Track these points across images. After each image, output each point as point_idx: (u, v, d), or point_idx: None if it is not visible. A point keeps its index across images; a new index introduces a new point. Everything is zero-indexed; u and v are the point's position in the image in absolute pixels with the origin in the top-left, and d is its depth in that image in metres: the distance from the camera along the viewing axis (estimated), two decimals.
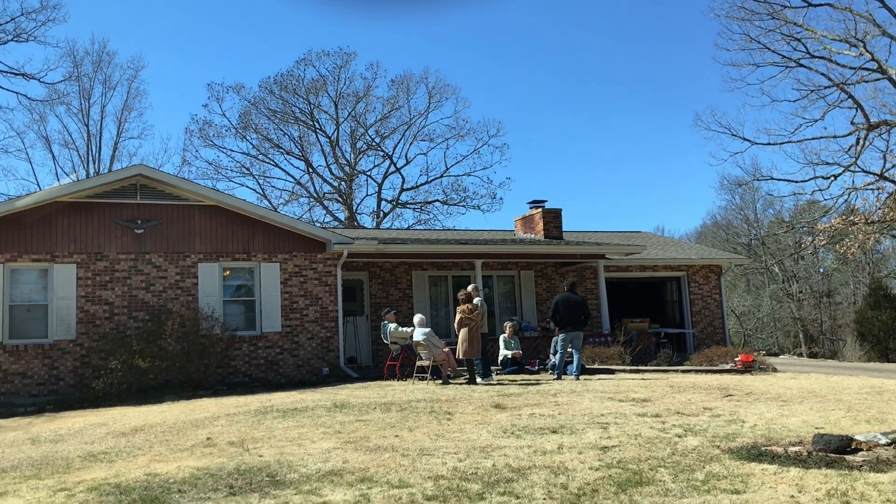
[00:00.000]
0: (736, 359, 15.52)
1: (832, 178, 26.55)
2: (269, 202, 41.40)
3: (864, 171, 26.11)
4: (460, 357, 13.37)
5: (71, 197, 15.04)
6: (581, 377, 13.77)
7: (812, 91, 26.61)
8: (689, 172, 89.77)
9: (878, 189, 24.64)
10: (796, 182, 34.30)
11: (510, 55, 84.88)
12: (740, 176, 64.72)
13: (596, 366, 15.51)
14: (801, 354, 33.77)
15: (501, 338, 16.13)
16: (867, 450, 6.13)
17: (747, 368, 14.96)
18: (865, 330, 24.39)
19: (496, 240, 20.74)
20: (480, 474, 5.93)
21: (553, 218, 21.62)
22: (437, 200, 43.15)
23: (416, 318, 14.30)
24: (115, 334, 14.58)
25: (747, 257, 35.72)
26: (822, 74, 26.56)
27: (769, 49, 26.87)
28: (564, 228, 22.00)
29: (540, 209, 21.85)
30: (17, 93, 49.74)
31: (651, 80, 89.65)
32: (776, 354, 30.83)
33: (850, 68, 25.71)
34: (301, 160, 42.77)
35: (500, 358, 15.75)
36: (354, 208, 42.71)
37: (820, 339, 38.21)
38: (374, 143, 43.53)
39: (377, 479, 5.86)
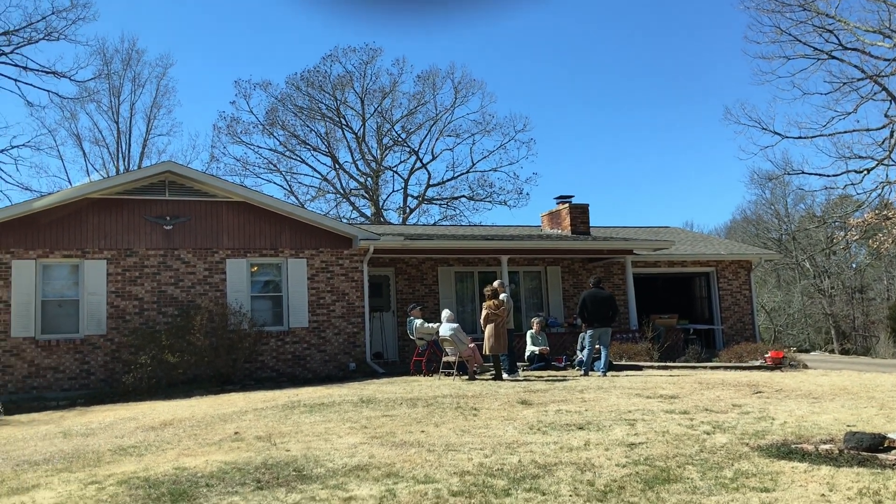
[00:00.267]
0: (766, 355, 15.34)
1: (865, 172, 26.13)
2: (296, 198, 41.63)
3: None
4: (486, 353, 13.33)
5: (101, 193, 15.24)
6: (608, 373, 13.69)
7: (844, 83, 26.22)
8: (719, 167, 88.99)
9: None
10: (828, 176, 33.70)
11: (536, 50, 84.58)
12: (770, 170, 64.13)
13: (623, 362, 15.41)
14: (832, 351, 33.25)
15: (528, 334, 16.07)
16: None
17: (777, 365, 14.77)
18: None
19: (522, 235, 20.64)
20: (506, 470, 5.91)
21: (580, 213, 21.39)
22: (464, 196, 43.03)
23: (445, 313, 14.28)
24: (144, 329, 14.77)
25: (778, 252, 35.31)
26: (855, 66, 26.14)
27: (800, 41, 26.50)
28: (592, 224, 21.77)
29: (567, 204, 21.64)
30: (48, 91, 50.85)
31: (679, 74, 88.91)
32: (807, 351, 30.39)
33: (884, 60, 25.30)
34: (328, 156, 42.93)
35: (527, 354, 15.69)
36: (381, 204, 42.78)
37: (852, 336, 37.65)
38: (400, 139, 43.57)
39: (403, 475, 5.87)
